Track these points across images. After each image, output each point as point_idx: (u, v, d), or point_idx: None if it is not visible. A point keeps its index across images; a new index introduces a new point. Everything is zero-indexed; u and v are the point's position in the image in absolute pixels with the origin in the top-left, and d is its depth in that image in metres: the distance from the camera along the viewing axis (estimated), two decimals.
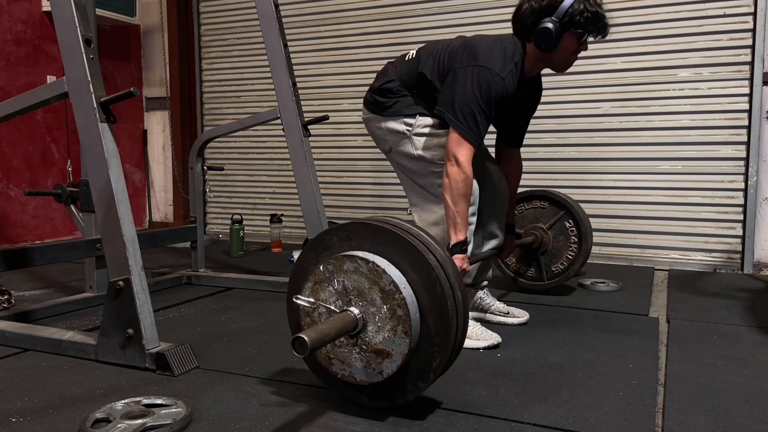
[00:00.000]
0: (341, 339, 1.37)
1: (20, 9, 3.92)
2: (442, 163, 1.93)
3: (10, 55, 3.87)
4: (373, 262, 1.32)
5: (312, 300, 1.40)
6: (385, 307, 1.31)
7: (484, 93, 1.84)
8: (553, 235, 2.59)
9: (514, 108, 2.09)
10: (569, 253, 2.57)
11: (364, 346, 1.35)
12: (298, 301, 1.42)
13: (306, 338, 1.15)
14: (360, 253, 1.35)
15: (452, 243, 1.88)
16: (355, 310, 1.34)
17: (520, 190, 2.40)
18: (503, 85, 1.86)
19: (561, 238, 2.58)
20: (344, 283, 1.36)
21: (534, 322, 2.22)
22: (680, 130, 3.36)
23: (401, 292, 1.30)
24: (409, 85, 2.03)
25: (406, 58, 2.07)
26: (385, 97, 2.05)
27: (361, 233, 1.39)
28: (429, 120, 2.00)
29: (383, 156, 2.20)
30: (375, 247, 1.37)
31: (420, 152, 2.00)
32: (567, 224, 2.57)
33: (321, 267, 1.38)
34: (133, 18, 4.52)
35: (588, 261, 3.47)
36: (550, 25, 1.84)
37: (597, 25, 1.87)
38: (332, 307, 1.38)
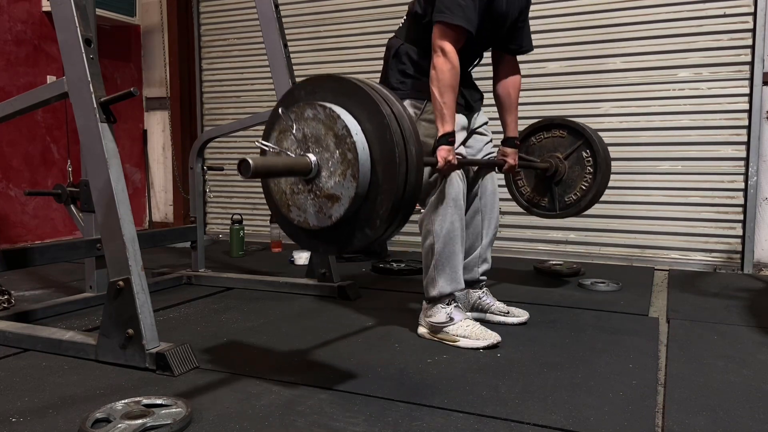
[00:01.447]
0: (299, 186, 1.43)
1: (20, 9, 3.92)
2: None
3: (10, 55, 3.87)
4: (330, 108, 1.38)
5: (275, 147, 1.46)
6: (337, 152, 1.37)
7: None
8: (569, 165, 2.52)
9: (505, 6, 2.02)
10: (583, 183, 2.50)
11: (317, 192, 1.41)
12: (259, 144, 1.48)
13: (251, 161, 1.23)
14: (320, 102, 1.41)
15: (439, 134, 1.88)
16: (312, 156, 1.40)
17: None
18: None
19: (576, 168, 2.51)
20: (304, 131, 1.42)
21: (534, 322, 2.22)
22: (680, 130, 3.36)
23: (352, 137, 1.35)
24: (415, 38, 2.04)
25: (401, 24, 2.14)
26: (397, 74, 2.06)
27: (325, 86, 1.45)
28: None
29: None
30: (336, 98, 1.42)
31: (424, 139, 2.00)
32: (584, 154, 2.49)
33: (284, 115, 1.44)
34: (133, 18, 4.52)
35: (587, 261, 3.48)
36: None
37: None
38: (291, 154, 1.44)
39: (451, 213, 1.98)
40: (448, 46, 1.87)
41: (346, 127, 1.35)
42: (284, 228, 1.55)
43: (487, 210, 2.20)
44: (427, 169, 1.99)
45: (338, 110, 1.38)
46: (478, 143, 2.18)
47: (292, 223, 1.49)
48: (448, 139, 1.88)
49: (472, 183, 2.17)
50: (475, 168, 2.18)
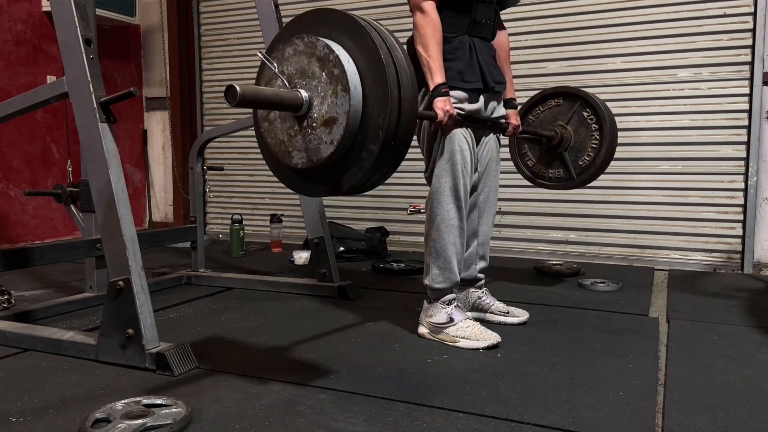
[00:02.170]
0: (294, 128, 1.40)
1: (20, 9, 3.92)
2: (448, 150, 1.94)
3: (10, 55, 3.87)
4: (307, 37, 1.36)
5: (272, 63, 1.43)
6: (324, 73, 1.34)
7: None
8: (574, 129, 2.50)
9: None
10: (593, 142, 2.48)
11: (314, 125, 1.37)
12: (261, 55, 1.45)
13: (238, 87, 1.19)
14: (295, 35, 1.39)
15: (431, 87, 1.86)
16: (302, 91, 1.37)
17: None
18: None
19: (582, 130, 2.50)
20: (288, 70, 1.39)
21: (534, 322, 2.22)
22: (680, 130, 3.36)
23: (335, 52, 1.32)
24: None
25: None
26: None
27: (304, 22, 1.44)
28: (455, 93, 1.96)
29: None
30: (316, 29, 1.40)
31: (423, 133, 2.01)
32: (585, 114, 2.48)
33: (265, 59, 1.42)
34: (133, 18, 4.52)
35: (587, 261, 3.48)
36: None
37: None
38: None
39: (446, 201, 1.96)
40: (427, 4, 1.86)
41: (326, 45, 1.33)
42: (287, 182, 1.49)
43: (486, 207, 2.17)
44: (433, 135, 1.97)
45: (314, 36, 1.36)
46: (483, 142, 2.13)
47: (296, 169, 1.43)
48: (442, 90, 1.85)
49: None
50: (476, 171, 2.14)
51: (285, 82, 1.39)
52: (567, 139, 2.51)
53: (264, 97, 1.29)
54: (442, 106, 1.84)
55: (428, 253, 2.02)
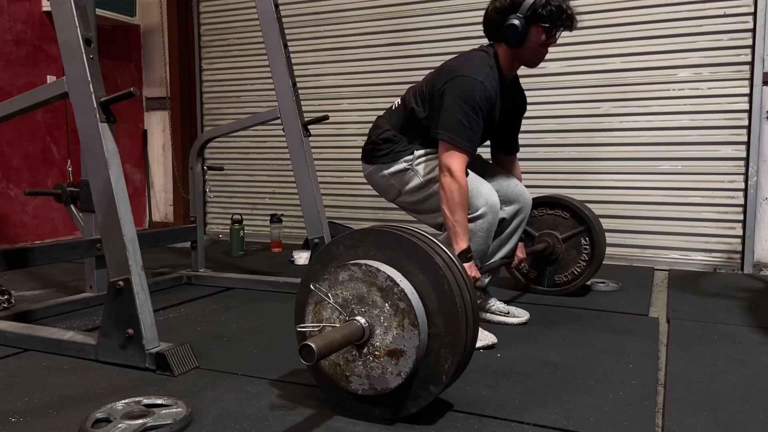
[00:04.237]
0: (353, 353, 1.34)
1: (20, 9, 3.92)
2: None
3: (10, 55, 3.87)
4: (365, 264, 1.32)
5: (316, 323, 1.38)
6: (387, 305, 1.30)
7: (468, 100, 1.88)
8: (566, 248, 2.57)
9: (502, 115, 2.10)
10: (576, 268, 2.56)
11: (376, 353, 1.32)
12: (301, 329, 1.40)
13: (313, 345, 1.13)
14: (351, 261, 1.35)
15: (456, 253, 1.87)
16: (360, 318, 1.32)
17: (541, 192, 2.40)
18: (484, 87, 1.90)
19: (572, 252, 2.56)
20: (342, 295, 1.34)
21: (534, 322, 2.22)
22: (680, 130, 3.36)
23: (399, 285, 1.28)
24: (403, 130, 2.07)
25: (393, 108, 2.14)
26: (382, 146, 2.09)
27: (366, 240, 1.39)
28: (427, 149, 2.04)
29: None
30: (380, 252, 1.36)
31: (426, 177, 2.04)
32: (583, 241, 2.54)
33: (314, 287, 1.37)
34: (133, 18, 4.52)
35: None
36: (515, 21, 1.92)
37: (561, 17, 1.93)
38: (336, 324, 1.35)
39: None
40: (456, 166, 1.87)
41: (389, 278, 1.29)
42: (341, 402, 1.43)
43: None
44: (432, 186, 2.01)
45: (375, 264, 1.32)
46: None
47: (356, 395, 1.38)
48: (467, 255, 1.89)
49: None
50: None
51: (341, 311, 1.34)
52: (557, 253, 2.58)
53: (337, 345, 1.24)
54: (468, 272, 1.86)
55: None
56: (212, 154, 4.69)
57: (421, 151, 2.04)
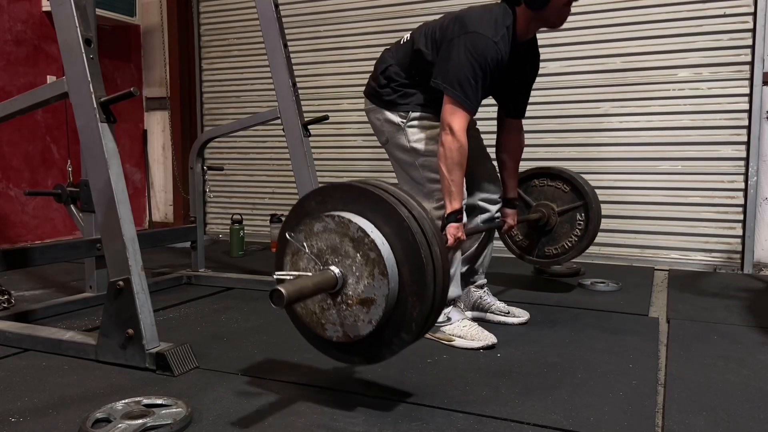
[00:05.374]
0: (327, 302, 1.39)
1: (20, 9, 3.92)
2: (433, 155, 1.95)
3: (10, 55, 3.87)
4: (338, 215, 1.36)
5: (293, 273, 1.42)
6: (358, 255, 1.33)
7: (478, 59, 1.84)
8: (560, 221, 2.55)
9: (512, 76, 2.07)
10: (567, 242, 2.54)
11: (349, 301, 1.37)
12: (279, 276, 1.43)
13: (283, 290, 1.18)
14: (325, 213, 1.38)
15: (447, 212, 1.89)
16: (334, 268, 1.36)
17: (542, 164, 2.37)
18: (497, 50, 1.86)
19: (566, 226, 2.54)
20: (318, 246, 1.39)
21: (534, 322, 2.22)
22: (680, 130, 3.36)
23: (369, 236, 1.32)
24: (407, 68, 2.03)
25: (401, 42, 2.09)
26: (385, 87, 2.05)
27: (335, 195, 1.42)
28: (424, 113, 2.01)
29: (383, 156, 2.20)
30: (347, 206, 1.39)
31: (413, 144, 2.02)
32: (578, 216, 2.51)
33: (292, 238, 1.41)
34: (133, 18, 4.52)
35: (587, 261, 3.48)
36: None
37: None
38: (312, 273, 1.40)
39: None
40: (458, 125, 1.86)
41: (360, 228, 1.32)
42: (320, 348, 1.49)
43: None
44: (414, 155, 2.01)
45: (347, 215, 1.35)
46: None
47: (330, 341, 1.43)
48: (457, 216, 1.89)
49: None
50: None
51: (317, 261, 1.38)
52: (551, 224, 2.56)
53: (308, 291, 1.29)
54: (454, 232, 1.88)
55: None
56: (212, 154, 4.69)
57: (416, 114, 2.01)
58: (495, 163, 2.26)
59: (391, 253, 1.34)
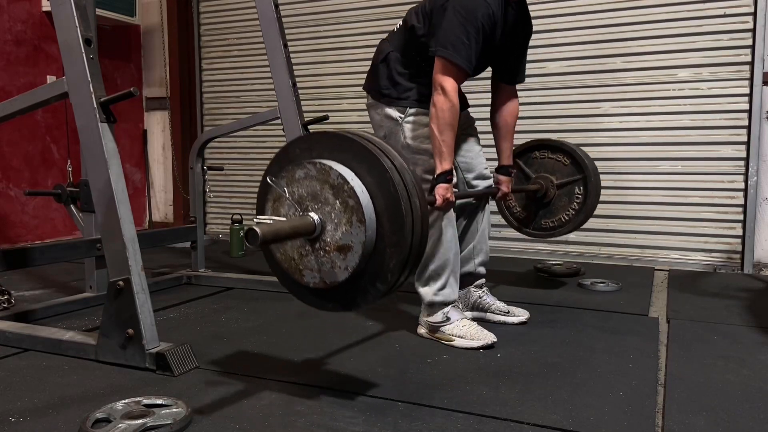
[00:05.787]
0: (306, 248, 1.40)
1: (20, 9, 3.92)
2: (425, 154, 1.96)
3: (10, 55, 3.87)
4: (320, 162, 1.36)
5: (273, 218, 1.42)
6: (337, 202, 1.34)
7: (469, 17, 1.84)
8: (559, 193, 2.54)
9: (503, 40, 2.04)
10: (564, 215, 2.53)
11: (327, 248, 1.38)
12: (259, 221, 1.43)
13: (258, 230, 1.19)
14: (307, 160, 1.39)
15: (437, 172, 1.88)
16: (313, 214, 1.37)
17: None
18: (487, 5, 1.86)
19: (564, 199, 2.53)
20: (298, 192, 1.39)
21: (534, 322, 2.22)
22: (680, 130, 3.36)
23: (349, 183, 1.32)
24: (406, 50, 2.02)
25: (395, 30, 2.10)
26: (384, 78, 2.05)
27: (321, 141, 1.42)
28: (420, 108, 2.01)
29: None
30: (332, 155, 1.40)
31: (408, 141, 2.02)
32: (577, 190, 2.51)
33: (273, 183, 1.42)
34: (133, 18, 4.52)
35: (587, 261, 3.48)
36: None
37: None
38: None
39: (448, 239, 1.99)
40: (449, 85, 1.85)
41: (340, 175, 1.33)
42: (297, 295, 1.50)
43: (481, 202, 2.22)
44: (409, 153, 2.00)
45: (329, 162, 1.36)
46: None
47: (307, 287, 1.44)
48: (447, 177, 1.88)
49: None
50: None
51: (297, 207, 1.39)
52: (549, 196, 2.56)
53: (284, 234, 1.30)
54: (443, 193, 1.87)
55: (423, 279, 2.03)
56: (212, 154, 4.69)
57: (413, 110, 2.01)
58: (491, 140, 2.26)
59: (371, 202, 1.34)
